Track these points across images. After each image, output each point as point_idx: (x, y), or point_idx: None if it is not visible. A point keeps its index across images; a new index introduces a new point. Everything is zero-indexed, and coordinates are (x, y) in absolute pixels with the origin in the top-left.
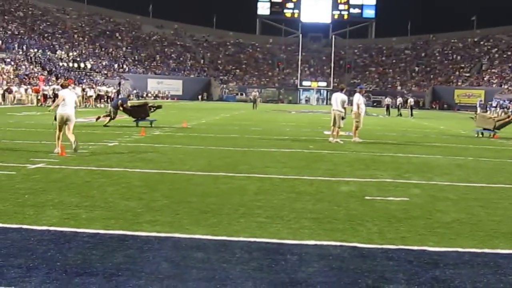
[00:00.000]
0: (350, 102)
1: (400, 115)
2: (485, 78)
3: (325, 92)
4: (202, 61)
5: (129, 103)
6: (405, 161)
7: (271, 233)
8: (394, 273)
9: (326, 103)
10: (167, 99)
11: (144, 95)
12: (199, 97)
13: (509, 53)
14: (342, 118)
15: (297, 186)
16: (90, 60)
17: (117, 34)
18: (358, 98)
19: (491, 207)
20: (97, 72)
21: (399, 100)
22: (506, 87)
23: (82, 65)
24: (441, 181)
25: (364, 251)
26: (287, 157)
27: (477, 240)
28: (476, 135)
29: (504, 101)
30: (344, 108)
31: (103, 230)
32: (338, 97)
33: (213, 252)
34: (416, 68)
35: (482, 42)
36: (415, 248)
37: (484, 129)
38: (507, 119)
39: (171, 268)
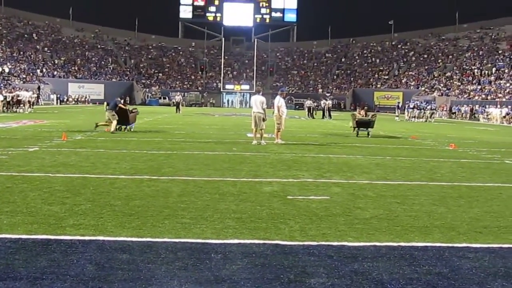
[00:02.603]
0: (272, 105)
1: (330, 116)
2: (403, 81)
3: (248, 95)
4: (124, 64)
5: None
6: (326, 161)
7: (196, 233)
8: (315, 267)
9: (249, 106)
10: (88, 103)
11: (65, 100)
12: (122, 101)
13: (425, 56)
14: (263, 120)
15: (220, 188)
16: (8, 64)
17: (36, 37)
18: (278, 101)
19: (407, 203)
20: (15, 76)
21: (324, 102)
22: (423, 89)
23: None
24: (361, 179)
25: (286, 248)
26: (211, 160)
27: (394, 235)
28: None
29: (421, 102)
30: (264, 110)
31: (26, 235)
32: (257, 99)
33: (138, 253)
34: (337, 71)
35: (399, 46)
36: (335, 243)
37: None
38: (365, 118)
39: (96, 270)
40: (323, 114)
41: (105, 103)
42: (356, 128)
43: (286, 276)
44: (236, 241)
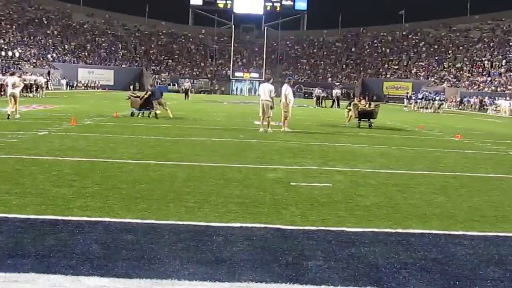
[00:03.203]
0: (280, 93)
1: (338, 106)
2: (412, 71)
3: (257, 83)
4: (134, 50)
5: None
6: (331, 149)
7: (199, 216)
8: (313, 251)
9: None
10: (97, 89)
11: (75, 85)
12: (131, 87)
13: (435, 46)
14: (271, 108)
15: (225, 173)
16: (18, 48)
17: (47, 22)
18: (285, 89)
19: (408, 192)
20: (25, 61)
21: (335, 91)
22: (432, 79)
23: (10, 53)
24: (364, 168)
25: (286, 232)
26: (217, 146)
27: (393, 221)
28: (357, 126)
29: (430, 93)
30: (272, 98)
31: (34, 215)
32: (266, 88)
33: (142, 234)
34: (346, 61)
35: (410, 36)
36: (334, 228)
37: (357, 118)
38: (368, 108)
39: (101, 250)
40: (332, 103)
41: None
42: (357, 119)
43: (285, 259)
44: (238, 224)
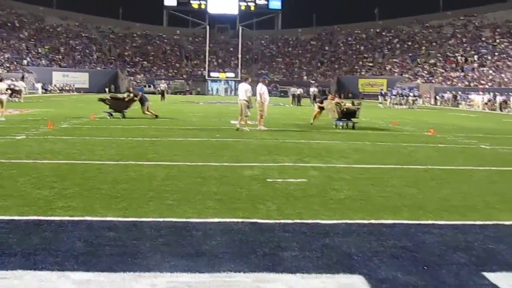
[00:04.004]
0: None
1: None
2: (387, 68)
3: (234, 83)
4: (108, 53)
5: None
6: (307, 146)
7: (178, 213)
8: (289, 242)
9: (234, 94)
10: (72, 92)
11: (49, 89)
12: (106, 89)
13: (409, 43)
14: (248, 107)
15: (203, 172)
16: None
17: (19, 26)
18: (260, 88)
19: (381, 185)
20: None
21: (312, 90)
22: (406, 76)
23: None
24: (338, 163)
25: (263, 226)
26: (194, 146)
27: (366, 213)
28: (334, 127)
29: (404, 89)
30: (249, 97)
31: (18, 216)
32: (242, 87)
33: (124, 231)
34: (322, 59)
35: (384, 33)
36: (309, 221)
37: (338, 119)
38: (352, 107)
39: (85, 247)
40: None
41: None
42: (336, 119)
43: (262, 250)
44: (216, 220)
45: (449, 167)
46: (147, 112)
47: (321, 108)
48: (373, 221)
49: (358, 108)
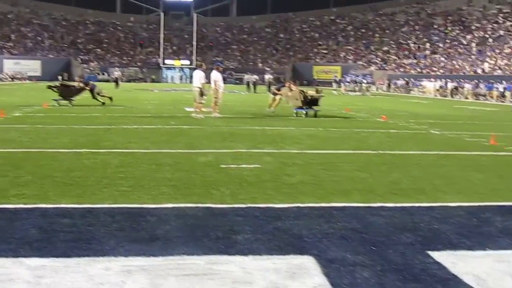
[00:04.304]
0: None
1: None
2: (341, 55)
3: (188, 70)
4: (61, 40)
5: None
6: (261, 133)
7: (133, 199)
8: (241, 226)
9: (190, 81)
10: (25, 80)
11: (0, 77)
12: (59, 77)
13: (363, 30)
14: (202, 94)
15: (158, 159)
16: None
17: None
18: (215, 75)
19: (332, 170)
20: None
21: (267, 77)
22: (360, 63)
23: None
24: (292, 149)
25: (217, 210)
26: (149, 133)
27: (317, 197)
28: (295, 115)
29: (358, 76)
30: (202, 84)
31: None
32: (196, 74)
33: (78, 218)
34: (277, 46)
35: (338, 20)
36: (262, 205)
37: (299, 107)
38: (316, 95)
39: (39, 234)
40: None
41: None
42: (297, 108)
43: (215, 234)
44: (170, 205)
45: (399, 152)
46: (99, 98)
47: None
48: (324, 204)
49: (322, 96)
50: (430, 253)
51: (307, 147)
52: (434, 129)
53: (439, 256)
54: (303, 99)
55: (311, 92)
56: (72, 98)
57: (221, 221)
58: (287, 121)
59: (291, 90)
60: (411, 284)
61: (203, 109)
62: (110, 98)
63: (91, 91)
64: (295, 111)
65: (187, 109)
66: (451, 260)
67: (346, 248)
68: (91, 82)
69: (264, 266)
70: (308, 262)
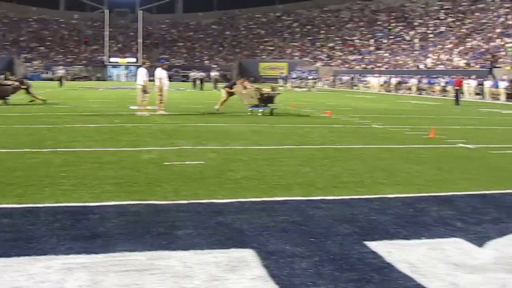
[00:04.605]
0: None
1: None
2: (287, 51)
3: (134, 68)
4: (2, 38)
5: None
6: (205, 130)
7: (75, 198)
8: (183, 221)
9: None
10: None
11: None
12: (2, 76)
13: (308, 27)
14: (145, 92)
15: (101, 157)
16: None
17: None
18: (159, 73)
19: (276, 165)
20: None
21: (214, 74)
22: (306, 59)
23: None
24: (236, 145)
25: (159, 207)
26: (93, 132)
27: (260, 192)
28: (250, 113)
29: (304, 72)
30: (145, 82)
31: None
32: (140, 72)
33: (19, 217)
34: (223, 43)
35: (284, 17)
36: (205, 201)
37: (255, 105)
38: (272, 92)
39: None
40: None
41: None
42: (251, 106)
43: (156, 230)
44: (112, 203)
45: (341, 146)
46: (35, 97)
47: (230, 94)
48: (266, 199)
49: (278, 94)
50: (367, 243)
51: (252, 143)
52: (377, 123)
53: (375, 245)
54: (259, 97)
55: (266, 89)
56: (8, 98)
57: (163, 217)
58: (233, 117)
59: (245, 88)
60: (348, 273)
61: (148, 107)
62: (44, 101)
63: (27, 89)
64: (249, 109)
65: (132, 107)
66: (387, 249)
67: (285, 241)
68: (26, 80)
69: (204, 260)
70: (248, 255)
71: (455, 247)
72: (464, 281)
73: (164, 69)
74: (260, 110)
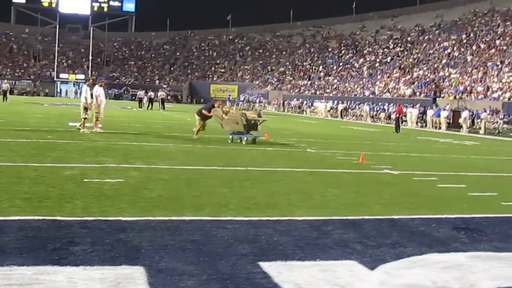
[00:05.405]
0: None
1: (163, 108)
2: (238, 74)
3: (83, 85)
4: None
5: None
6: (137, 148)
7: None
8: (83, 238)
9: None
10: None
11: None
12: None
13: (260, 51)
14: (85, 109)
15: (21, 172)
16: None
17: None
18: (96, 90)
19: (195, 185)
20: None
21: (160, 93)
22: (257, 82)
23: None
24: (163, 165)
25: (63, 223)
26: (21, 147)
27: (170, 210)
28: (230, 141)
29: (252, 95)
30: (85, 99)
31: None
32: (83, 89)
33: None
34: (174, 63)
35: (236, 40)
36: (111, 218)
37: (238, 132)
38: (258, 118)
39: None
40: (149, 104)
41: None
42: (232, 133)
43: (53, 245)
44: (17, 217)
45: (268, 168)
46: None
47: (206, 118)
48: (174, 218)
49: (264, 120)
50: (261, 263)
51: (179, 163)
52: (312, 147)
53: (268, 266)
54: (245, 123)
55: (252, 114)
56: None
57: (64, 233)
58: (168, 138)
59: (225, 112)
60: None
61: (87, 124)
62: None
63: None
64: (230, 136)
65: (71, 123)
66: (279, 270)
67: (179, 259)
68: None
69: (91, 276)
70: (136, 272)
71: (346, 269)
72: None
73: (101, 86)
74: (245, 138)
